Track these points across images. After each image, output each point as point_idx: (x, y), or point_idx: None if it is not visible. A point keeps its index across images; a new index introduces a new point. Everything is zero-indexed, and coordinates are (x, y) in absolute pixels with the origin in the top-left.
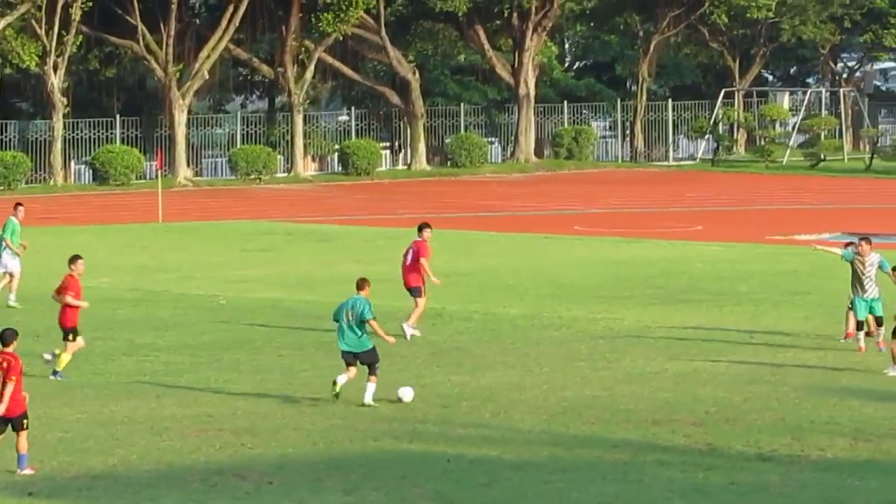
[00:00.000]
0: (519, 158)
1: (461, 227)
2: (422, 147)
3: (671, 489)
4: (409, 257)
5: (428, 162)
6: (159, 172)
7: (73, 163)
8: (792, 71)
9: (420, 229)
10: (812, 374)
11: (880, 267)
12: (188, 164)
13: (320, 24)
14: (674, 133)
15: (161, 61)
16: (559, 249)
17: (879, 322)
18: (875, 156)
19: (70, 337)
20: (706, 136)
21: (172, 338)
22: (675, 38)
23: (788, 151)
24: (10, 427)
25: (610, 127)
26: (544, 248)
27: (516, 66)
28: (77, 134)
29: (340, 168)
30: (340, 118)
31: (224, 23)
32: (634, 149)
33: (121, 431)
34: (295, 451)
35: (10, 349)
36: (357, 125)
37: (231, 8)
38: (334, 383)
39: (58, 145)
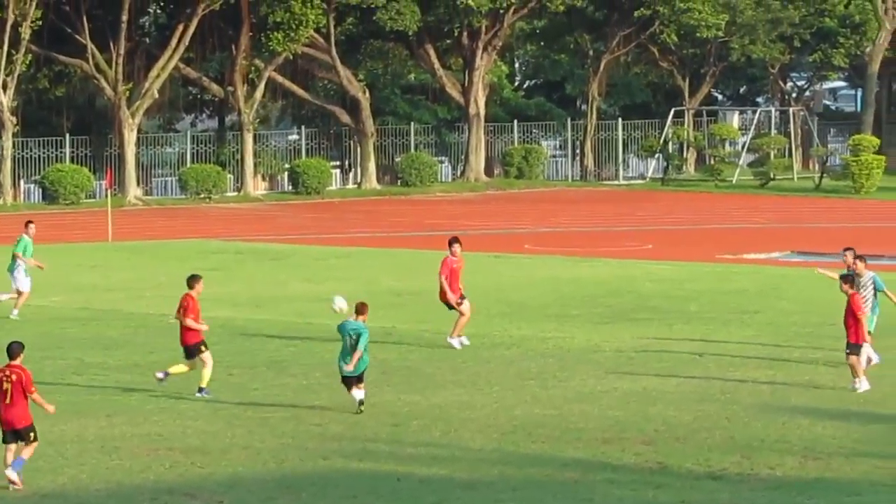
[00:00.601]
0: (469, 177)
1: (411, 246)
2: (372, 166)
3: None
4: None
5: (378, 181)
6: (109, 191)
7: (22, 182)
8: (742, 90)
9: (450, 244)
10: (762, 393)
11: (875, 285)
12: (138, 184)
13: (270, 44)
14: (624, 152)
15: (111, 80)
16: (509, 268)
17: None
18: (825, 175)
19: (201, 349)
20: (656, 155)
21: (122, 357)
22: (625, 58)
23: (738, 170)
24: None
25: (560, 146)
26: (494, 266)
27: (466, 85)
28: (26, 153)
29: (290, 187)
30: (290, 137)
31: (174, 42)
32: (584, 168)
33: (70, 451)
34: (245, 470)
35: (17, 361)
36: (307, 144)
37: (181, 27)
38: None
39: (7, 164)
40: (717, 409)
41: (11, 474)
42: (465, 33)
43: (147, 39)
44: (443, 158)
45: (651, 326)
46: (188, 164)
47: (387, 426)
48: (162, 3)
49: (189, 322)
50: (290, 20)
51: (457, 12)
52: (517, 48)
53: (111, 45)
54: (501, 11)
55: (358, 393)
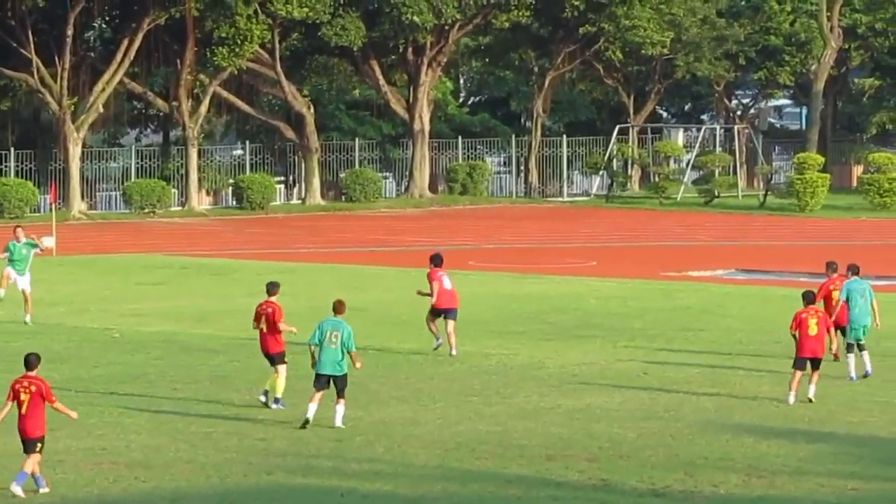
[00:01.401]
0: (413, 193)
1: (355, 261)
2: (316, 182)
3: None
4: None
5: (322, 196)
6: (53, 206)
7: None
8: (686, 107)
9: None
10: (706, 411)
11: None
12: (82, 198)
13: (215, 59)
14: (568, 169)
15: (56, 94)
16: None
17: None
18: (769, 193)
19: (279, 361)
20: (600, 173)
21: (66, 371)
22: (569, 75)
23: (682, 188)
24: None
25: (504, 162)
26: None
27: (411, 101)
28: None
29: (235, 202)
30: (235, 152)
31: (119, 56)
32: (529, 184)
33: (14, 465)
34: (189, 484)
35: (34, 372)
36: (251, 159)
37: (126, 41)
38: (306, 421)
39: None
40: (661, 427)
41: (16, 489)
42: (409, 49)
43: (92, 54)
44: (387, 174)
45: (595, 343)
46: (133, 179)
47: (330, 442)
48: (107, 18)
49: (282, 326)
50: (235, 35)
51: (402, 28)
52: (462, 64)
53: (56, 59)
54: (446, 28)
55: (339, 413)
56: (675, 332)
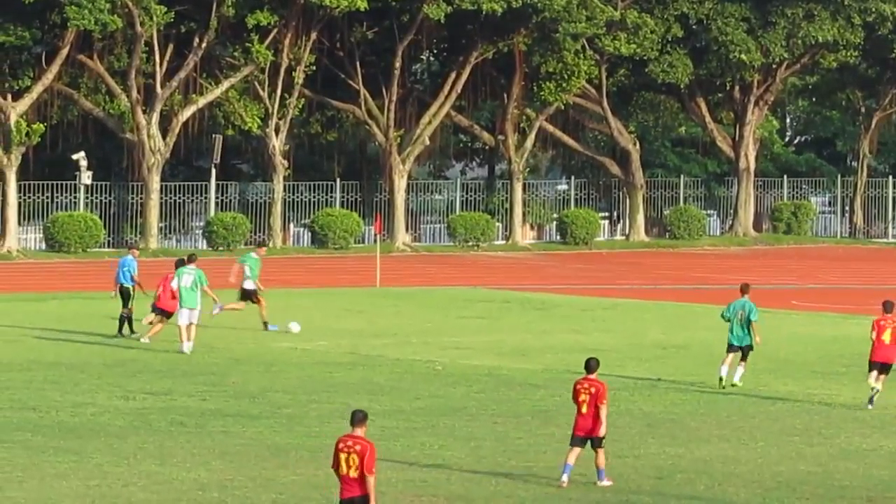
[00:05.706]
0: (737, 232)
1: (678, 299)
2: (640, 218)
3: None
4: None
5: (646, 233)
6: (378, 237)
7: (291, 225)
8: None
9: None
10: None
11: None
12: (407, 230)
13: (542, 93)
14: (894, 210)
15: (382, 126)
16: (775, 324)
17: None
18: None
19: None
20: None
21: (387, 402)
22: None
23: None
24: None
25: (829, 202)
26: (761, 322)
27: (737, 139)
28: (297, 196)
29: (558, 237)
30: (559, 187)
31: (446, 89)
32: (854, 225)
33: (335, 494)
34: None
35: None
36: (576, 194)
37: (453, 75)
38: (720, 379)
39: (278, 207)
40: None
41: None
42: (736, 87)
43: (419, 86)
44: (711, 212)
45: None
46: (457, 212)
47: (650, 479)
48: (435, 51)
49: None
50: (563, 70)
51: (729, 66)
52: (788, 103)
53: (383, 91)
54: (774, 66)
55: (739, 372)
56: None
